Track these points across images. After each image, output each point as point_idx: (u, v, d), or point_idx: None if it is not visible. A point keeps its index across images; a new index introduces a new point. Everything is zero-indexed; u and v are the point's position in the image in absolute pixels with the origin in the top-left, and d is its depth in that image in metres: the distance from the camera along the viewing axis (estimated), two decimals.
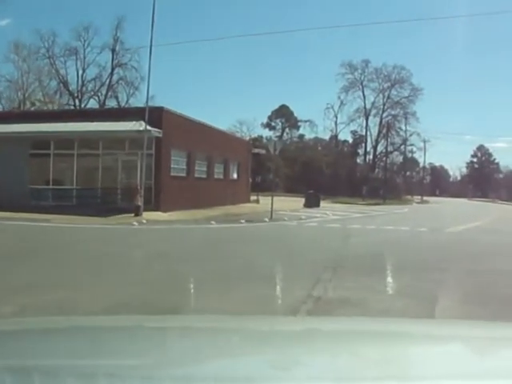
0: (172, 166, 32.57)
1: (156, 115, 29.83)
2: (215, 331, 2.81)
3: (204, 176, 37.61)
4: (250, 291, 9.16)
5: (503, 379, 1.83)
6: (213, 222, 24.45)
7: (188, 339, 2.63)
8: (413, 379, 1.88)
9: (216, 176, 39.91)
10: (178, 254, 14.33)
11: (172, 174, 32.46)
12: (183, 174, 34.26)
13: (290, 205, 41.16)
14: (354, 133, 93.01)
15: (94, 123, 30.35)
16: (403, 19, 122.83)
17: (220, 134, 41.59)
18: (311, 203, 42.18)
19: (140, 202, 27.31)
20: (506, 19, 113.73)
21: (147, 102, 30.63)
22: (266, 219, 26.66)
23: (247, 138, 69.64)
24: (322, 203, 46.70)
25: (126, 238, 19.75)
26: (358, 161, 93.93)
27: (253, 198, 46.01)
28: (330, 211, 35.74)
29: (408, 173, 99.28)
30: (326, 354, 2.30)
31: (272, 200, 28.14)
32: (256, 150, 47.90)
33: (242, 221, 25.69)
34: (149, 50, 28.80)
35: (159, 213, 28.23)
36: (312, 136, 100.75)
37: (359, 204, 55.34)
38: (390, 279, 10.30)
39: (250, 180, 47.95)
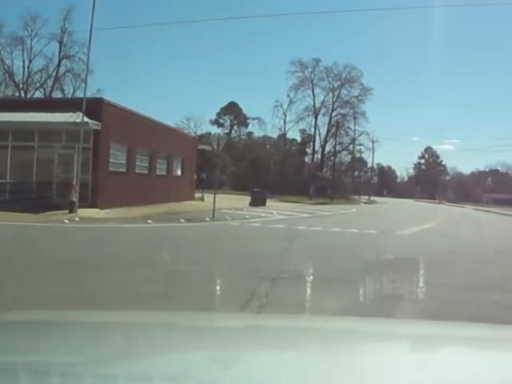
0: (111, 160, 31.09)
1: (95, 107, 28.39)
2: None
3: (145, 172, 36.19)
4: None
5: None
6: (149, 221, 23.01)
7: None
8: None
9: (158, 172, 38.50)
10: (86, 260, 12.36)
11: (111, 168, 30.98)
12: (123, 170, 32.77)
13: (235, 203, 40.17)
14: (302, 131, 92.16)
15: (30, 114, 28.64)
16: (353, 16, 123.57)
17: (164, 128, 40.05)
18: (257, 202, 41.15)
19: (75, 197, 25.79)
20: (457, 19, 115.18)
21: (85, 91, 29.20)
22: (208, 218, 25.36)
23: (194, 135, 68.09)
24: (269, 202, 45.83)
25: (44, 237, 18.06)
26: (307, 160, 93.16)
27: (198, 195, 44.62)
28: (276, 210, 34.69)
29: (356, 172, 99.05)
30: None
31: (214, 198, 26.86)
32: (202, 147, 46.42)
33: (182, 220, 24.31)
34: (89, 34, 27.33)
35: (96, 210, 26.79)
36: (261, 134, 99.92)
37: (306, 203, 54.58)
38: (335, 294, 8.96)
39: (195, 177, 46.57)
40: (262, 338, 2.52)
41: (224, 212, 29.56)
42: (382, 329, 2.90)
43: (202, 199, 42.53)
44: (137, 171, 34.58)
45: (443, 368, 1.98)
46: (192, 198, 43.60)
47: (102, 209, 27.24)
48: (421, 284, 10.38)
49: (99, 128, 28.53)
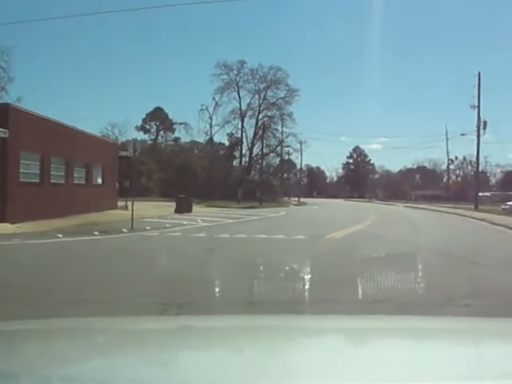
0: (22, 170, 28.93)
1: (1, 113, 26.35)
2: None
3: (62, 181, 34.03)
4: None
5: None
6: (60, 235, 21.08)
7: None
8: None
9: (77, 181, 36.38)
10: None
11: (22, 179, 28.85)
12: (36, 180, 30.64)
13: (160, 210, 38.81)
14: (230, 135, 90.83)
15: None
16: (279, 16, 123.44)
17: (81, 135, 38.00)
18: (182, 208, 39.61)
19: None
20: (386, 18, 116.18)
21: None
22: (125, 229, 23.63)
23: (115, 141, 65.71)
24: (196, 208, 44.46)
25: None
26: (235, 163, 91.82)
27: (122, 204, 42.69)
28: (201, 217, 33.25)
29: (285, 175, 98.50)
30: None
31: (132, 207, 25.32)
32: (123, 153, 44.61)
33: (96, 232, 22.33)
34: None
35: (6, 224, 24.82)
36: (188, 139, 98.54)
37: (234, 207, 53.39)
38: None
39: (117, 185, 44.63)
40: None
41: (145, 221, 28.08)
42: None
43: (125, 208, 40.71)
44: (52, 181, 32.49)
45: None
46: (115, 207, 41.76)
47: (12, 223, 25.28)
48: (358, 299, 9.15)
49: (6, 136, 26.51)
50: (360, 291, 9.65)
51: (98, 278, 11.93)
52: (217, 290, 10.12)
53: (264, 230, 24.75)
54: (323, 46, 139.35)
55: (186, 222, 29.04)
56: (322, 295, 9.25)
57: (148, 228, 24.78)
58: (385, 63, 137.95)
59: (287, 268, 12.19)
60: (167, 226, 26.63)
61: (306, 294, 9.18)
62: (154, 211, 37.72)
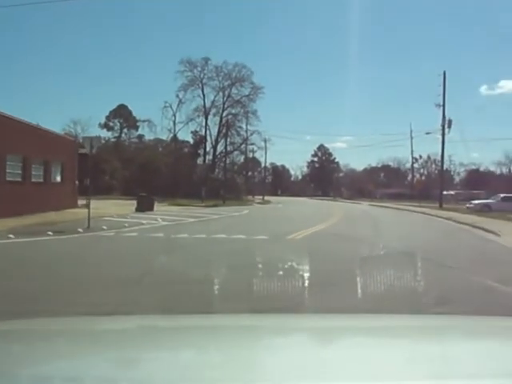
0: None
1: None
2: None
3: (19, 179, 33.06)
4: None
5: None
6: (11, 236, 20.14)
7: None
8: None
9: (34, 179, 35.41)
10: None
11: None
12: None
13: (121, 209, 38.07)
14: (194, 133, 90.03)
15: None
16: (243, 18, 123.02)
17: (39, 132, 37.08)
18: (144, 207, 38.84)
19: None
20: (346, 21, 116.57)
21: None
22: (81, 229, 22.84)
23: (79, 139, 64.41)
24: (159, 206, 43.79)
25: None
26: (199, 161, 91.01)
27: (83, 202, 41.61)
28: (162, 216, 32.51)
29: (249, 173, 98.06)
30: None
31: (89, 205, 24.61)
32: (83, 150, 43.60)
33: (50, 232, 21.42)
34: None
35: None
36: (152, 137, 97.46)
37: (198, 206, 52.68)
38: None
39: (77, 183, 43.59)
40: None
41: (104, 220, 27.33)
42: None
43: (86, 206, 39.74)
44: (8, 179, 31.50)
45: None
46: (75, 206, 40.76)
47: None
48: (310, 306, 8.58)
49: None
50: (314, 298, 9.12)
51: (36, 285, 11.00)
52: (157, 300, 9.30)
53: (225, 230, 24.17)
54: (289, 44, 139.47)
55: (145, 221, 28.30)
56: (272, 303, 8.63)
57: (105, 227, 24.01)
58: (350, 62, 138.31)
59: (240, 272, 11.53)
60: (126, 225, 25.91)
61: (256, 302, 8.54)
62: (115, 210, 36.95)
